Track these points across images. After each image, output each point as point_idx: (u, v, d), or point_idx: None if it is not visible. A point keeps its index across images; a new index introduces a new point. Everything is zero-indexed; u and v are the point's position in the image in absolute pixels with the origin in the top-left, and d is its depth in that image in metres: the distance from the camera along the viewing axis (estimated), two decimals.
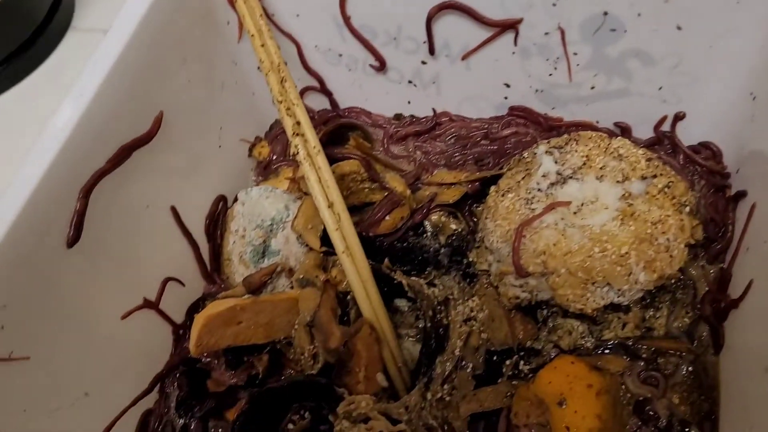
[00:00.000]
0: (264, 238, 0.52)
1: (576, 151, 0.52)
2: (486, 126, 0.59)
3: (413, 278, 0.50)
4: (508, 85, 0.56)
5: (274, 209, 0.53)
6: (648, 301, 0.49)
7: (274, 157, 0.62)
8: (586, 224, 0.48)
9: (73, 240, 0.41)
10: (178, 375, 0.51)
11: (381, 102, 0.61)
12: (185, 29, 0.51)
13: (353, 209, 0.57)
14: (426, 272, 0.52)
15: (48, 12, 0.77)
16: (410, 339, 0.52)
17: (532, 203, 0.50)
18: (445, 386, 0.48)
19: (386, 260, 0.50)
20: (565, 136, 0.53)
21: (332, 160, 0.55)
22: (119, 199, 0.45)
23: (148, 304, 0.50)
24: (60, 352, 0.42)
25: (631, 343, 0.48)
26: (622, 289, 0.46)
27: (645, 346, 0.48)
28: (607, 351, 0.49)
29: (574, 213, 0.49)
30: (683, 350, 0.48)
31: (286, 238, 0.52)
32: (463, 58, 0.54)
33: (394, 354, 0.49)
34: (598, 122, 0.57)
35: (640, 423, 0.45)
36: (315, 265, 0.51)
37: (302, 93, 0.62)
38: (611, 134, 0.56)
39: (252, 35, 0.52)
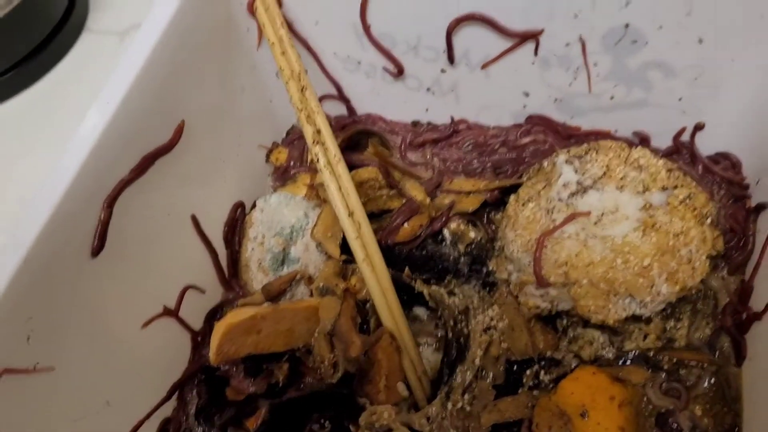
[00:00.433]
0: (284, 246, 0.52)
1: (596, 160, 0.52)
2: (504, 134, 0.59)
3: (434, 287, 0.50)
4: (527, 94, 0.56)
5: (294, 217, 0.53)
6: (669, 311, 0.49)
7: (292, 163, 0.62)
8: (607, 235, 0.48)
9: (97, 250, 0.41)
10: (197, 383, 0.51)
11: (399, 109, 0.61)
12: (207, 37, 0.51)
13: (371, 216, 0.57)
14: (446, 281, 0.52)
15: (63, 14, 0.77)
16: (429, 347, 0.52)
17: (552, 213, 0.50)
18: (466, 396, 0.48)
19: (407, 269, 0.50)
20: (585, 145, 0.53)
21: (350, 166, 0.55)
22: (141, 207, 0.45)
23: (167, 312, 0.50)
24: (83, 362, 0.42)
25: (652, 354, 0.48)
26: (645, 300, 0.46)
27: (666, 357, 0.48)
28: (628, 362, 0.48)
29: (595, 223, 0.49)
30: (705, 361, 0.48)
31: (306, 246, 0.52)
32: (483, 67, 0.54)
33: (414, 363, 0.49)
34: (616, 131, 0.57)
35: None
36: (334, 273, 0.51)
37: (320, 100, 0.62)
38: (630, 143, 0.56)
39: (272, 43, 0.52)
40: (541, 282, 0.47)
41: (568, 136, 0.57)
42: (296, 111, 0.51)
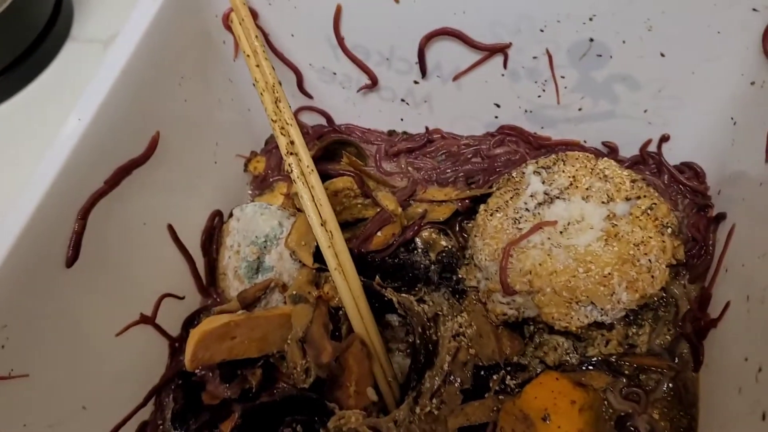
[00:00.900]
0: (258, 255, 0.53)
1: (563, 171, 0.53)
2: (477, 144, 0.60)
3: (403, 295, 0.51)
4: (498, 106, 0.57)
5: (269, 226, 0.54)
6: (631, 318, 0.50)
7: (270, 172, 0.63)
8: (571, 244, 0.49)
9: (71, 260, 0.43)
10: (174, 388, 0.52)
11: (374, 119, 0.62)
12: (183, 49, 0.52)
13: (346, 225, 0.59)
14: (416, 288, 0.53)
15: (47, 22, 0.78)
16: (400, 353, 0.53)
17: (519, 223, 0.51)
18: (434, 400, 0.49)
19: (377, 277, 0.52)
20: (553, 156, 0.54)
21: (326, 176, 0.57)
22: (117, 217, 0.47)
23: (144, 320, 0.51)
24: (59, 368, 0.43)
25: (614, 360, 0.50)
26: (605, 308, 0.47)
27: (627, 363, 0.50)
28: (590, 367, 0.50)
29: (561, 232, 0.50)
30: (664, 367, 0.49)
31: (280, 255, 0.53)
32: (455, 79, 0.56)
33: (384, 369, 0.51)
34: (585, 142, 0.58)
35: None
36: (308, 282, 0.53)
37: (297, 112, 0.63)
38: (598, 154, 0.58)
39: (248, 55, 0.53)
40: (507, 290, 0.49)
41: (539, 146, 0.59)
42: (270, 122, 0.52)
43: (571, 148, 0.58)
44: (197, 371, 0.53)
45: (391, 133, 0.63)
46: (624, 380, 0.49)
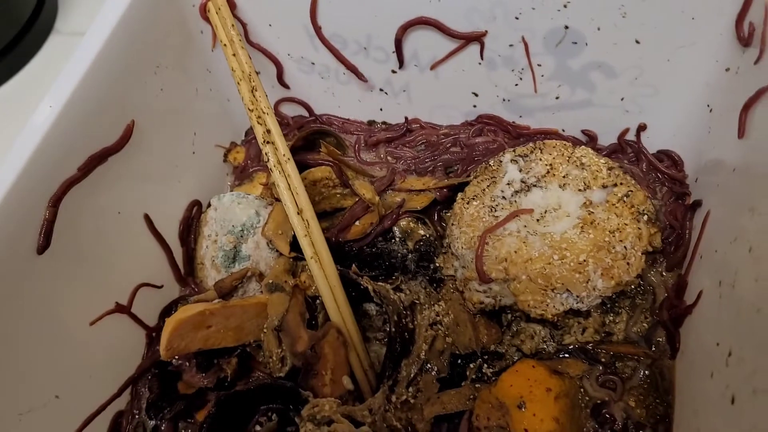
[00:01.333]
0: (234, 244, 0.53)
1: (540, 159, 0.53)
2: (456, 133, 0.60)
3: (379, 283, 0.51)
4: (476, 94, 0.57)
5: (245, 215, 0.54)
6: (608, 306, 0.50)
7: (249, 162, 0.63)
8: (547, 232, 0.49)
9: (43, 247, 0.42)
10: (150, 377, 0.52)
11: (354, 109, 0.62)
12: (159, 38, 0.52)
13: (325, 214, 0.59)
14: (393, 277, 0.53)
15: (31, 15, 0.78)
16: (378, 343, 0.53)
17: (496, 210, 0.51)
18: (410, 389, 0.49)
19: (354, 266, 0.52)
20: (530, 144, 0.54)
21: (305, 166, 0.57)
22: (90, 206, 0.46)
23: (119, 309, 0.51)
24: (29, 356, 0.43)
25: (591, 348, 0.50)
26: (581, 295, 0.47)
27: (604, 351, 0.49)
28: (567, 355, 0.50)
29: (537, 220, 0.50)
30: (641, 355, 0.49)
31: (257, 244, 0.53)
32: (432, 68, 0.55)
33: (360, 357, 0.51)
34: (564, 130, 0.58)
35: (596, 426, 0.47)
36: (284, 270, 0.53)
37: (278, 103, 0.63)
38: (577, 142, 0.58)
39: (225, 45, 0.53)
40: (483, 278, 0.49)
41: (518, 135, 0.59)
42: (247, 111, 0.52)
43: (549, 136, 0.58)
44: (173, 361, 0.53)
45: (371, 123, 0.63)
46: (600, 368, 0.49)
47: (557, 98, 0.55)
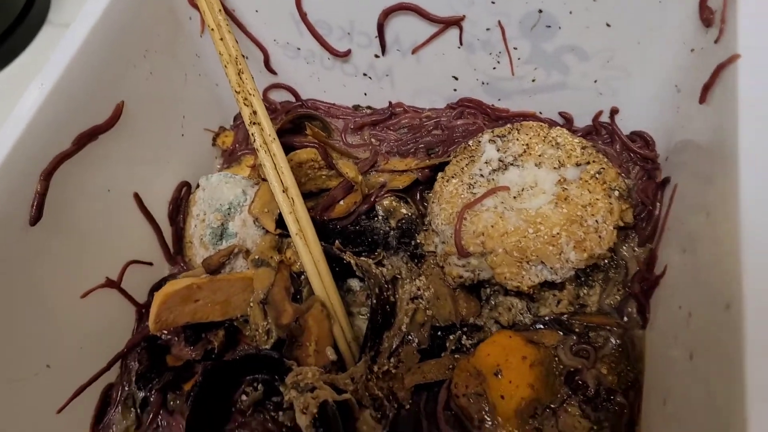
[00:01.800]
0: (222, 221, 0.55)
1: (517, 139, 0.55)
2: (437, 116, 0.62)
3: (362, 258, 0.53)
4: (456, 78, 0.59)
5: (232, 194, 0.55)
6: (582, 279, 0.52)
7: (237, 145, 0.64)
8: (523, 207, 0.51)
9: (35, 219, 0.44)
10: (139, 351, 0.53)
11: (339, 94, 0.64)
12: (148, 23, 0.54)
13: (311, 195, 0.60)
14: (376, 253, 0.55)
15: (24, 7, 0.79)
16: (361, 317, 0.55)
17: (474, 188, 0.53)
18: (392, 360, 0.51)
19: (337, 242, 0.53)
20: (508, 125, 0.56)
21: (291, 148, 0.58)
22: (81, 182, 0.48)
23: (110, 284, 0.52)
24: (21, 325, 0.44)
25: (565, 319, 0.52)
26: (555, 267, 0.49)
27: (578, 322, 0.51)
28: (542, 326, 0.52)
29: (514, 197, 0.52)
30: (613, 325, 0.51)
31: (243, 221, 0.55)
32: (413, 52, 0.57)
33: (344, 330, 0.52)
34: (541, 113, 0.60)
35: (570, 392, 0.48)
36: (270, 247, 0.54)
37: (266, 90, 0.65)
38: (554, 125, 0.60)
39: (212, 29, 0.55)
40: (461, 252, 0.50)
41: (497, 118, 0.61)
42: (234, 93, 0.54)
43: (527, 119, 0.60)
44: (162, 335, 0.54)
45: (356, 107, 0.65)
46: (574, 338, 0.51)
47: (533, 81, 0.57)
